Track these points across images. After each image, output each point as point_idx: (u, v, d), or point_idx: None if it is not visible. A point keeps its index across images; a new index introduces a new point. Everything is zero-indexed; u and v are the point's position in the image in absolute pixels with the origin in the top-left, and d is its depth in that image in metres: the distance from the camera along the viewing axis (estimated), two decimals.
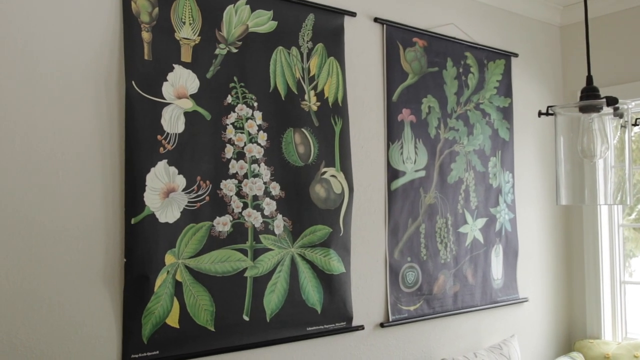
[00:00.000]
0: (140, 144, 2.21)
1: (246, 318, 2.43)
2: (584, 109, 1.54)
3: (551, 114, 1.56)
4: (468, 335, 3.28)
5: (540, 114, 1.59)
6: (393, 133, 3.02)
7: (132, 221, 2.17)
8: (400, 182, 3.03)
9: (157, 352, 2.22)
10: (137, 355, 2.18)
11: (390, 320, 2.93)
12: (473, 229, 3.36)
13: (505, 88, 3.63)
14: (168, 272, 2.24)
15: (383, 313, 2.92)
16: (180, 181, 2.30)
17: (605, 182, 1.64)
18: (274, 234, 2.53)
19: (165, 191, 2.25)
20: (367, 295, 2.84)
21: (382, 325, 2.89)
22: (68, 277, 2.06)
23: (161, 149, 2.25)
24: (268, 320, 2.50)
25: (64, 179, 2.07)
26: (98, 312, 2.11)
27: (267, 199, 2.52)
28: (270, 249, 2.51)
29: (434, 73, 3.23)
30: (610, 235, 3.84)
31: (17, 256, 1.98)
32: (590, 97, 1.55)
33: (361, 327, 2.80)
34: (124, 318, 2.15)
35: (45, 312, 2.02)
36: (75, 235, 2.08)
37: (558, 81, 3.99)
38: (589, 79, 1.64)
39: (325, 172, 2.71)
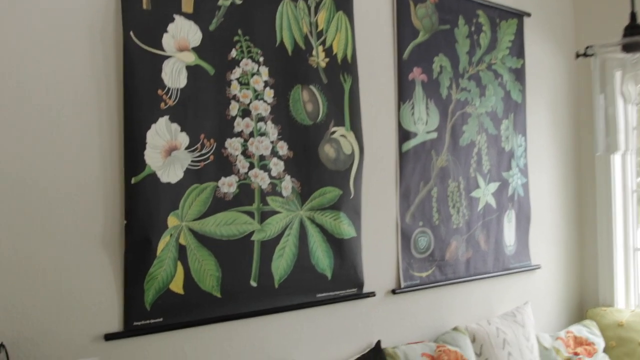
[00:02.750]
0: (139, 99, 2.07)
1: (254, 284, 2.31)
2: (628, 47, 1.39)
3: (589, 55, 1.41)
4: (480, 303, 3.17)
5: (577, 55, 1.44)
6: (404, 92, 2.88)
7: (132, 181, 2.03)
8: (411, 143, 2.89)
9: (161, 319, 2.10)
10: (139, 323, 2.05)
11: (402, 286, 2.82)
12: (485, 193, 3.23)
13: (518, 49, 3.48)
14: (171, 235, 2.10)
15: (394, 279, 2.81)
16: (183, 139, 2.15)
17: None
18: (282, 196, 2.40)
19: (167, 149, 2.11)
20: (378, 260, 2.72)
21: (393, 292, 2.78)
22: (65, 240, 1.93)
23: (162, 104, 2.11)
24: (276, 287, 2.37)
25: (58, 137, 1.93)
26: (98, 278, 1.98)
27: (275, 159, 2.38)
28: (278, 212, 2.38)
29: (446, 31, 3.07)
30: (624, 200, 3.72)
31: (10, 220, 1.85)
32: (635, 35, 1.39)
33: (372, 294, 2.69)
34: (125, 283, 2.03)
35: (41, 278, 1.89)
36: (72, 197, 1.94)
37: (570, 43, 3.84)
38: (633, 15, 1.48)
39: (334, 132, 2.57)
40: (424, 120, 2.95)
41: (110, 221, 2.01)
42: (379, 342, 2.65)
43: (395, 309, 2.79)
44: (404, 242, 2.84)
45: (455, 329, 2.95)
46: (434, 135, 3.00)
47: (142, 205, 2.04)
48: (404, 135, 2.88)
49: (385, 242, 2.77)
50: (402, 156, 2.86)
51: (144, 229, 2.04)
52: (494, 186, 3.29)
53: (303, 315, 2.47)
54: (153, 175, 2.08)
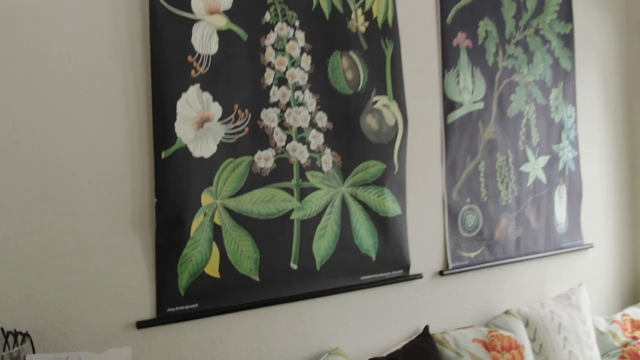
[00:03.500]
0: (168, 66, 1.89)
1: (294, 266, 2.12)
2: None
3: None
4: (532, 284, 2.96)
5: None
6: (448, 59, 2.66)
7: (163, 155, 1.85)
8: (457, 114, 2.68)
9: (196, 304, 1.93)
10: (173, 309, 1.89)
11: (450, 267, 2.62)
12: (535, 167, 3.00)
13: (566, 12, 3.23)
14: (205, 213, 1.93)
15: (442, 260, 2.61)
16: (216, 109, 1.97)
17: None
18: (322, 171, 2.20)
19: (199, 121, 1.93)
20: (424, 240, 2.53)
21: (441, 273, 2.58)
22: (91, 221, 1.76)
23: (192, 71, 1.92)
24: (318, 269, 2.19)
25: (81, 109, 1.77)
26: (127, 261, 1.82)
27: (314, 131, 2.18)
28: (318, 188, 2.19)
29: None
30: None
31: (31, 201, 1.69)
32: None
33: (419, 276, 2.50)
34: (157, 267, 1.86)
35: (67, 262, 1.75)
36: (97, 174, 1.78)
37: (621, 8, 3.57)
38: None
39: (376, 102, 2.36)
40: (469, 90, 2.73)
41: (140, 200, 1.84)
42: (426, 327, 2.47)
43: (442, 291, 2.60)
44: (451, 220, 2.64)
45: (507, 312, 2.74)
46: (481, 105, 2.78)
47: (174, 182, 1.87)
48: (449, 105, 2.66)
49: (431, 220, 2.57)
50: (448, 128, 2.65)
51: (176, 208, 1.87)
52: (543, 160, 3.06)
53: (346, 299, 2.29)
54: (184, 149, 1.90)
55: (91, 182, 1.78)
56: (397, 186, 2.43)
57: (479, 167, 2.76)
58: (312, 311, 2.21)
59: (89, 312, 1.77)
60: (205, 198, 1.95)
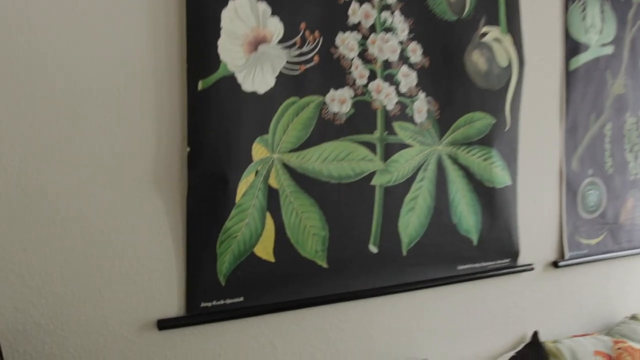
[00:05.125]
0: None
1: (373, 249, 1.53)
2: None
3: None
4: None
5: None
6: None
7: (200, 86, 1.26)
8: (581, 59, 2.02)
9: (242, 298, 1.36)
10: (209, 304, 1.32)
11: (566, 257, 1.98)
12: None
13: None
14: (257, 172, 1.33)
15: (556, 248, 1.98)
16: (275, 27, 1.37)
17: None
18: (414, 122, 1.59)
19: (252, 41, 1.33)
20: (535, 221, 1.91)
21: (555, 264, 1.96)
22: (96, 177, 1.22)
23: None
24: (404, 254, 1.59)
25: (90, 17, 1.17)
26: (147, 235, 1.26)
27: (405, 68, 1.57)
28: (408, 145, 1.58)
29: None
30: None
31: (20, 143, 1.10)
32: None
33: (529, 267, 1.87)
34: (188, 245, 1.29)
35: (58, 234, 1.20)
36: (107, 109, 1.21)
37: None
38: None
39: (485, 34, 1.73)
40: (597, 29, 2.07)
41: (166, 148, 1.27)
42: (536, 334, 1.86)
43: (555, 287, 1.98)
44: (570, 196, 2.00)
45: (634, 317, 2.12)
46: (610, 49, 2.11)
47: (215, 125, 1.29)
48: (572, 47, 2.01)
49: (545, 195, 1.95)
50: (570, 76, 1.99)
51: (216, 162, 1.29)
52: None
53: (437, 296, 1.72)
54: (230, 80, 1.31)
55: (99, 118, 1.20)
56: (508, 148, 1.80)
57: (604, 130, 2.11)
58: (393, 310, 1.63)
59: (90, 305, 1.23)
60: (258, 150, 1.36)
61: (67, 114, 1.19)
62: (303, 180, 1.45)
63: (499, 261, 1.83)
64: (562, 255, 2.01)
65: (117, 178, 1.25)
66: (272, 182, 1.41)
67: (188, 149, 1.30)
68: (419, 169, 1.65)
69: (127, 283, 1.27)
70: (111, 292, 1.25)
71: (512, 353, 1.82)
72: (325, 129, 1.48)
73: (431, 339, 1.72)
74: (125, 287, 1.27)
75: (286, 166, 1.43)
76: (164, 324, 1.30)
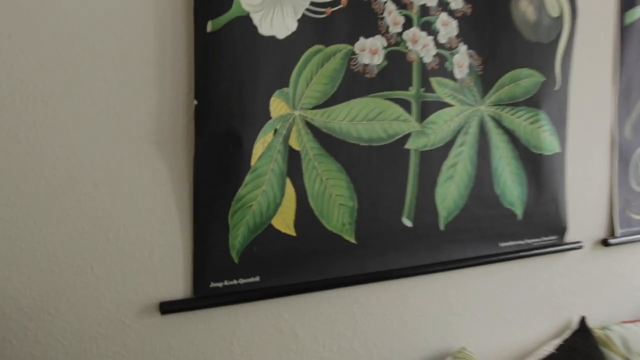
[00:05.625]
0: None
1: (407, 222, 1.32)
2: None
3: None
4: None
5: None
6: None
7: (209, 27, 1.05)
8: (638, 12, 1.76)
9: (258, 277, 1.16)
10: (220, 284, 1.12)
11: (617, 235, 1.75)
12: None
13: None
14: (276, 131, 1.13)
15: (605, 224, 1.77)
16: None
17: None
18: (454, 79, 1.37)
19: None
20: (584, 194, 1.68)
21: (604, 242, 1.75)
22: (88, 134, 1.01)
23: None
24: (442, 228, 1.38)
25: None
26: (146, 204, 1.07)
27: (444, 15, 1.35)
28: (447, 104, 1.36)
29: None
30: None
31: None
32: None
33: (578, 245, 1.65)
34: (195, 215, 1.08)
35: (42, 201, 0.97)
36: (99, 54, 1.03)
37: None
38: None
39: None
40: None
41: (170, 101, 1.06)
42: (583, 320, 1.64)
43: (604, 268, 1.77)
44: (622, 166, 1.78)
45: None
46: None
47: (226, 74, 1.09)
48: None
49: (595, 164, 1.73)
50: (625, 31, 1.76)
51: (228, 118, 1.09)
52: None
53: (478, 276, 1.53)
54: (245, 21, 1.10)
55: (88, 72, 0.99)
56: (557, 110, 1.58)
57: None
58: (428, 292, 1.43)
59: (81, 285, 1.03)
60: (277, 106, 1.15)
61: (51, 59, 0.98)
62: (328, 142, 1.24)
63: (545, 238, 1.62)
64: (612, 233, 1.80)
65: (112, 137, 1.04)
66: (293, 143, 1.20)
67: (195, 103, 1.09)
68: (458, 132, 1.43)
69: (124, 259, 1.07)
70: (105, 269, 1.06)
71: (558, 341, 1.62)
72: (354, 83, 1.27)
73: (469, 325, 1.52)
74: (122, 264, 1.07)
75: (309, 125, 1.21)
76: (168, 307, 1.11)
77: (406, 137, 1.35)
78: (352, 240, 1.30)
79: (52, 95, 0.99)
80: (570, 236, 1.69)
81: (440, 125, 1.40)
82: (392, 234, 1.35)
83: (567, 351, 1.56)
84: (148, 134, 1.08)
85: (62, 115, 1.00)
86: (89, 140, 1.03)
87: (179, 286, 1.13)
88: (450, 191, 1.43)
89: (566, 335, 1.65)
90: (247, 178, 1.15)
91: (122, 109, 1.05)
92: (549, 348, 1.59)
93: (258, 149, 1.16)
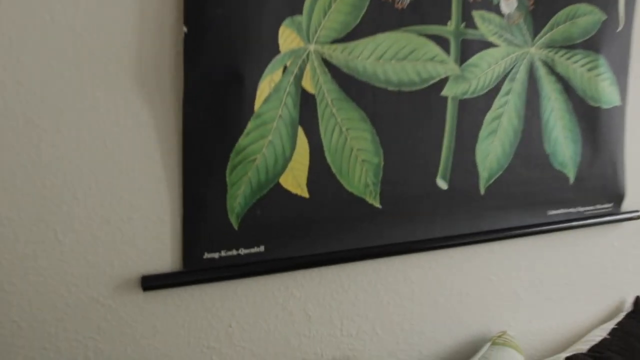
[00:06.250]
0: None
1: (442, 184, 1.09)
2: None
3: None
4: None
5: None
6: None
7: None
8: None
9: (262, 247, 0.95)
10: (216, 254, 0.92)
11: None
12: None
13: None
14: (286, 68, 0.90)
15: None
16: None
17: None
18: (500, 14, 1.13)
19: None
20: None
21: None
22: (51, 72, 0.83)
23: None
24: (482, 192, 1.15)
25: None
26: (126, 157, 0.89)
27: None
28: (491, 44, 1.12)
29: None
30: None
31: None
32: None
33: (636, 215, 1.40)
34: (185, 171, 0.86)
35: (2, 143, 0.75)
36: None
37: None
38: None
39: None
40: None
41: (154, 29, 0.87)
42: (637, 300, 1.40)
43: None
44: None
45: None
46: None
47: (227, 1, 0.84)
48: None
49: None
50: None
51: (226, 50, 0.89)
52: None
53: (522, 248, 1.33)
54: None
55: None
56: (619, 56, 1.33)
57: None
58: (465, 267, 1.22)
59: (43, 255, 0.85)
60: (288, 37, 0.92)
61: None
62: (350, 85, 1.00)
63: (599, 206, 1.38)
64: None
65: (81, 72, 0.81)
66: (307, 84, 0.97)
67: (185, 30, 0.86)
68: (504, 78, 1.19)
69: (96, 223, 0.85)
70: (73, 235, 0.84)
71: (610, 325, 1.39)
72: (381, 14, 1.03)
73: (511, 305, 1.30)
74: (94, 229, 0.85)
75: (327, 63, 0.98)
76: (151, 282, 0.89)
77: (443, 82, 1.11)
78: (377, 205, 1.07)
79: (2, 16, 0.76)
80: (627, 205, 1.46)
81: (483, 69, 1.16)
82: (424, 197, 1.13)
83: (622, 336, 1.34)
84: (126, 68, 0.85)
85: (15, 42, 0.77)
86: (51, 74, 0.80)
87: (165, 257, 0.91)
88: (493, 148, 1.20)
89: (619, 317, 1.42)
90: (250, 125, 0.92)
91: (93, 37, 0.82)
92: (601, 333, 1.37)
93: (263, 90, 0.93)
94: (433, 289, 1.20)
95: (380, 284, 1.13)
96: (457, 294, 1.23)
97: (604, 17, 1.31)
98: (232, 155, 0.93)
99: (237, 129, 0.93)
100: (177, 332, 0.96)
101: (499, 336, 1.26)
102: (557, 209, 1.33)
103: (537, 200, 1.30)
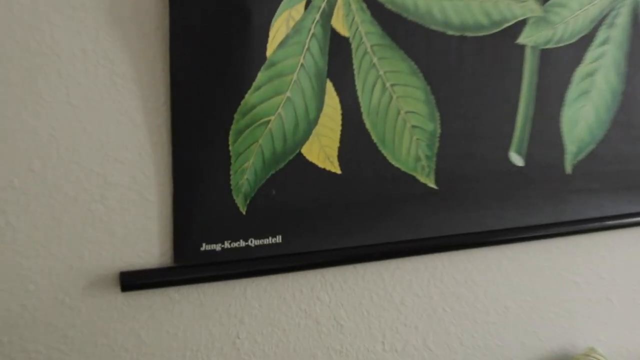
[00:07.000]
0: None
1: (517, 160, 0.84)
2: None
3: None
4: None
5: None
6: None
7: None
8: None
9: (279, 237, 0.71)
10: (218, 246, 0.71)
11: None
12: None
13: None
14: (309, 2, 0.63)
15: None
16: None
17: None
18: None
19: None
20: None
21: None
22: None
23: None
24: (568, 170, 0.89)
25: None
26: (100, 118, 0.69)
27: None
28: None
29: None
30: None
31: None
32: None
33: None
34: (175, 136, 0.63)
35: None
36: None
37: None
38: None
39: None
40: None
41: None
42: None
43: None
44: None
45: None
46: None
47: None
48: None
49: None
50: None
51: None
52: None
53: (615, 244, 1.09)
54: None
55: None
56: None
57: None
58: (541, 265, 1.00)
59: (5, 245, 0.60)
60: None
61: None
62: (397, 26, 0.76)
63: None
64: None
65: (39, 5, 0.59)
66: (339, 24, 0.72)
67: None
68: (600, 24, 0.92)
69: (60, 204, 0.65)
70: (30, 219, 0.66)
71: None
72: None
73: (601, 315, 1.04)
74: (58, 212, 0.66)
75: None
76: (132, 280, 0.68)
77: (520, 26, 0.85)
78: (431, 184, 0.83)
79: None
80: None
81: (573, 11, 0.89)
82: (492, 176, 0.88)
83: None
84: (97, 2, 0.62)
85: None
86: (12, 10, 0.59)
87: (151, 248, 0.69)
88: (584, 114, 0.93)
89: None
90: (260, 77, 0.69)
91: None
92: None
93: (278, 30, 0.69)
94: (502, 293, 0.95)
95: (435, 286, 0.89)
96: (533, 300, 0.99)
97: None
98: (236, 116, 0.70)
99: (243, 81, 0.69)
100: (168, 343, 0.74)
101: (586, 354, 1.01)
102: None
103: (637, 182, 1.03)
